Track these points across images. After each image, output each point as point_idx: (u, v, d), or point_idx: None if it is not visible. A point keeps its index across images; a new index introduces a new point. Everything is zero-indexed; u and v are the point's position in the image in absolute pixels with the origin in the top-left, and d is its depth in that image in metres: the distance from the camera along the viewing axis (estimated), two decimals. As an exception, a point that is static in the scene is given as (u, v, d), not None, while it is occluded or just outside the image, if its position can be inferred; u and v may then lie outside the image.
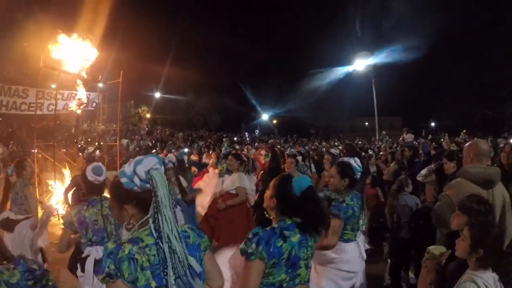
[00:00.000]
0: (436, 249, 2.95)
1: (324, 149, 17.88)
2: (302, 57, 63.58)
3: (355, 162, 3.93)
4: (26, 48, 16.56)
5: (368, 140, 27.95)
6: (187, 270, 1.74)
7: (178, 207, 5.15)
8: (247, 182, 6.59)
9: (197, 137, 36.13)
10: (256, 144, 26.07)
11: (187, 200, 6.21)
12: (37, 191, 8.76)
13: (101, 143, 15.59)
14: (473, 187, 3.34)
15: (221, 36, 53.47)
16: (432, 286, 2.80)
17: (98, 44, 12.28)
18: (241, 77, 53.05)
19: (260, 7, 63.72)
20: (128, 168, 1.76)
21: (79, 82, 11.74)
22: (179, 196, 6.01)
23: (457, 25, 41.73)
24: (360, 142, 25.02)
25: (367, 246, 4.36)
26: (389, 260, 5.72)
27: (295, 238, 2.35)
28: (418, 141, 14.95)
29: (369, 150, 15.65)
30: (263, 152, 12.76)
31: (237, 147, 24.98)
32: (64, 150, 11.73)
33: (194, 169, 10.69)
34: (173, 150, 17.09)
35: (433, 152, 8.62)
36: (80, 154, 12.25)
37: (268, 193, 2.57)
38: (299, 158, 8.30)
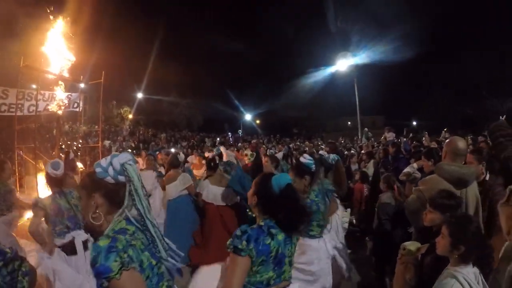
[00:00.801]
0: (412, 245, 2.96)
1: (307, 148, 18.01)
2: (285, 58, 63.90)
3: (304, 158, 4.04)
4: (6, 47, 16.26)
5: (351, 139, 28.24)
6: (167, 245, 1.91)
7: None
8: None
9: (180, 137, 35.97)
10: (240, 144, 26.08)
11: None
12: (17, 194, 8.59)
13: (79, 146, 15.46)
14: (446, 185, 3.35)
15: (204, 37, 53.43)
16: (412, 282, 2.83)
17: (79, 44, 12.13)
18: (224, 77, 53.05)
19: (243, 8, 63.73)
20: (104, 161, 1.85)
21: (60, 82, 11.54)
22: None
23: (437, 25, 42.45)
24: (343, 141, 25.28)
25: (340, 245, 4.30)
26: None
27: (281, 236, 2.37)
28: (399, 139, 15.13)
29: (352, 149, 15.82)
30: (247, 152, 12.79)
31: (221, 147, 24.99)
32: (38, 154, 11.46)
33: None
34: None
35: (413, 150, 8.77)
36: (62, 155, 12.11)
37: (250, 190, 2.59)
38: (279, 155, 8.48)
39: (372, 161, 9.76)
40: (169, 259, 1.88)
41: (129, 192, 1.80)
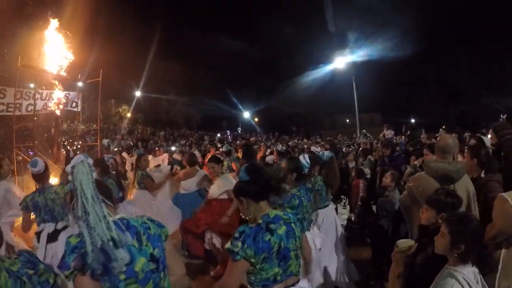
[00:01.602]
0: (404, 243, 2.99)
1: (305, 146, 18.04)
2: (283, 56, 63.88)
3: (304, 159, 4.15)
4: (3, 47, 16.23)
5: (349, 136, 28.25)
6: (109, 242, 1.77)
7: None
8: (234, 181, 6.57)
9: (178, 135, 35.96)
10: (238, 141, 26.10)
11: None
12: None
13: (78, 145, 15.48)
14: (433, 182, 3.41)
15: (202, 35, 53.36)
16: (400, 279, 2.82)
17: (77, 43, 12.13)
18: (223, 75, 52.98)
19: (241, 7, 63.65)
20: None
21: (56, 81, 11.55)
22: None
23: (435, 23, 42.48)
24: (342, 139, 25.32)
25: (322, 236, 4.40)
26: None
27: (281, 230, 2.37)
28: (396, 139, 15.11)
29: (351, 146, 15.85)
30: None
31: (219, 145, 25.03)
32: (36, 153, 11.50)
33: (176, 168, 10.69)
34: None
35: (411, 148, 8.74)
36: (64, 151, 12.17)
37: (237, 201, 2.62)
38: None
39: (368, 158, 9.82)
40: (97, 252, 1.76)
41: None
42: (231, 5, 63.07)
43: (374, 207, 7.08)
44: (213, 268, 5.46)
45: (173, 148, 23.29)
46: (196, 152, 8.39)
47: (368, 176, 8.64)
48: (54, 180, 8.07)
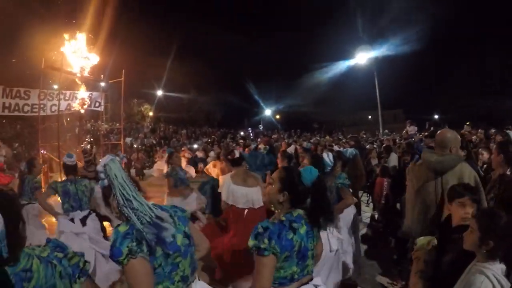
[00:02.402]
0: (424, 239, 2.93)
1: (327, 143, 17.91)
2: (303, 51, 63.34)
3: (327, 157, 4.03)
4: (28, 49, 16.59)
5: (372, 133, 27.87)
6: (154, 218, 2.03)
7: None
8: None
9: (200, 133, 36.19)
10: (259, 139, 26.10)
11: None
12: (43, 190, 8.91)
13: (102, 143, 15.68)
14: (424, 173, 3.56)
15: (222, 32, 53.32)
16: (419, 275, 2.77)
17: (99, 43, 12.30)
18: (243, 73, 52.90)
19: (261, 3, 63.53)
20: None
21: (80, 82, 11.75)
22: None
23: (460, 16, 41.51)
24: (365, 136, 24.99)
25: (340, 237, 4.24)
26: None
27: (303, 229, 2.35)
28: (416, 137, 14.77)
29: (374, 143, 15.64)
30: (261, 146, 12.99)
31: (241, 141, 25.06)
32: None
33: (200, 165, 10.82)
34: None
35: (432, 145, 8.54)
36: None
37: (273, 187, 2.53)
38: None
39: (393, 154, 9.65)
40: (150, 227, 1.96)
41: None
42: (250, 2, 62.87)
43: (398, 205, 6.97)
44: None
45: (195, 146, 23.49)
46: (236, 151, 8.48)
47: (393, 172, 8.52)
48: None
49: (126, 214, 1.96)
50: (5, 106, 10.51)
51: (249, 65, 53.74)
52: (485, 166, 6.38)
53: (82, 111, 12.39)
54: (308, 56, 61.50)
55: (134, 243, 1.82)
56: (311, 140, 19.97)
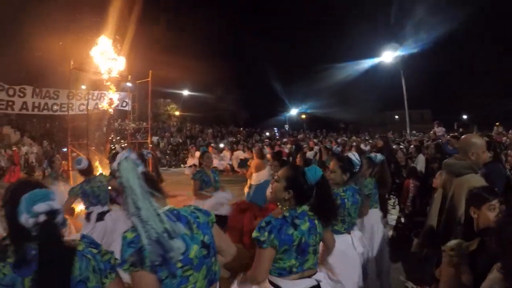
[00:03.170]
0: (456, 242, 2.83)
1: (354, 143, 17.71)
2: (329, 50, 62.54)
3: (354, 156, 3.98)
4: (56, 52, 17.03)
5: (399, 133, 27.39)
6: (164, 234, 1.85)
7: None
8: None
9: (226, 133, 36.38)
10: (285, 139, 26.07)
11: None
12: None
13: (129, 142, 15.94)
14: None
15: (248, 32, 53.44)
16: (470, 284, 2.69)
17: (126, 44, 12.51)
18: (269, 72, 52.83)
19: (286, 4, 63.21)
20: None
21: (108, 82, 11.98)
22: None
23: (490, 13, 40.43)
24: (392, 136, 24.60)
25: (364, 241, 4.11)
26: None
27: (305, 226, 2.50)
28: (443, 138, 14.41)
29: (401, 144, 15.38)
30: (288, 146, 13.14)
31: (267, 141, 25.11)
32: (94, 148, 12.01)
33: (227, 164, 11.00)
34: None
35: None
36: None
37: (279, 185, 2.65)
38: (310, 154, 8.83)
39: (420, 155, 9.46)
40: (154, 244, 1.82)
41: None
42: (275, 2, 62.66)
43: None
44: None
45: (221, 145, 23.67)
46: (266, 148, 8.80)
47: (422, 171, 8.35)
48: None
49: (133, 224, 1.85)
50: (35, 105, 10.92)
51: (275, 64, 53.63)
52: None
53: (111, 110, 12.63)
54: (334, 55, 60.81)
55: (137, 257, 1.76)
56: (338, 140, 19.84)
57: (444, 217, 3.54)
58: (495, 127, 13.99)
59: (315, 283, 2.53)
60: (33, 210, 1.52)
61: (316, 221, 2.58)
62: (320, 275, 2.60)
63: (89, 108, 11.77)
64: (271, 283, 2.50)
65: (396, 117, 48.61)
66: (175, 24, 38.22)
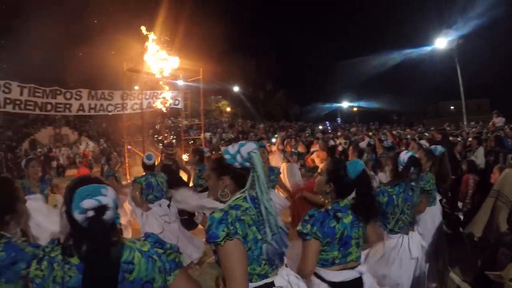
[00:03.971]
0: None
1: (409, 136, 17.17)
2: (380, 39, 60.93)
3: (404, 155, 3.77)
4: (110, 54, 17.76)
5: (456, 125, 26.04)
6: (279, 229, 2.09)
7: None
8: None
9: (278, 127, 36.39)
10: (339, 133, 25.73)
11: None
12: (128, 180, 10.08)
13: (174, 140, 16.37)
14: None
15: (297, 26, 53.21)
16: None
17: (177, 45, 12.84)
18: (319, 64, 52.39)
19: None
20: (232, 148, 2.15)
21: (161, 82, 12.37)
22: None
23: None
24: (449, 128, 23.53)
25: (423, 244, 3.74)
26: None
27: (347, 219, 2.55)
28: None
29: (458, 137, 14.77)
30: (341, 140, 13.11)
31: (319, 135, 24.88)
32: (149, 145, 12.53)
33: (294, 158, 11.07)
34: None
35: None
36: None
37: (321, 178, 2.74)
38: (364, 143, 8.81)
39: (480, 148, 9.02)
40: (273, 242, 2.04)
41: (252, 177, 2.08)
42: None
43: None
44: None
45: (273, 140, 23.69)
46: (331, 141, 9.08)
47: (482, 167, 7.95)
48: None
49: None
50: (91, 107, 11.57)
51: (324, 56, 53.08)
52: None
53: (164, 109, 13.03)
54: (384, 43, 59.43)
55: (231, 227, 1.90)
56: (394, 133, 19.35)
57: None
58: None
59: (357, 275, 2.55)
60: (81, 205, 1.55)
61: (359, 216, 2.61)
62: (363, 268, 2.62)
63: (142, 107, 12.25)
64: (314, 273, 2.56)
65: (452, 107, 46.56)
66: (223, 21, 38.49)
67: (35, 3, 27.51)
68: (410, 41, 47.14)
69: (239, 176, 2.11)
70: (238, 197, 2.09)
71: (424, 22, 41.99)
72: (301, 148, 15.53)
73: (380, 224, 3.53)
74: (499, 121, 14.80)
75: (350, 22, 57.52)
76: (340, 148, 11.01)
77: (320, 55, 54.84)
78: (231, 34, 41.51)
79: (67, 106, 11.28)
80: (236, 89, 46.44)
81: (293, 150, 11.94)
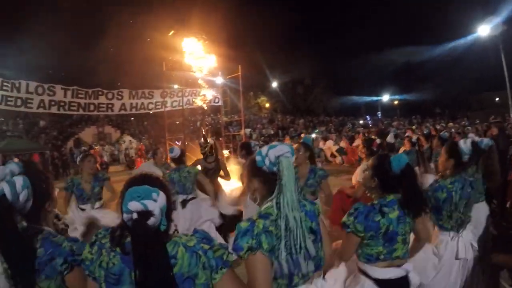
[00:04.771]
0: None
1: (453, 130, 16.75)
2: (419, 29, 59.11)
3: (464, 144, 3.70)
4: (149, 53, 18.30)
5: (502, 117, 24.76)
6: (302, 251, 1.91)
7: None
8: None
9: (318, 122, 36.26)
10: (383, 127, 25.38)
11: None
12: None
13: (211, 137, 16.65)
14: None
15: (334, 19, 52.59)
16: None
17: (215, 43, 13.06)
18: (358, 57, 51.41)
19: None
20: (264, 149, 2.02)
21: (200, 80, 12.62)
22: None
23: None
24: (495, 121, 22.43)
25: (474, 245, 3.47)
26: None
27: (393, 214, 2.49)
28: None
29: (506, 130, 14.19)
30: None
31: (360, 129, 24.58)
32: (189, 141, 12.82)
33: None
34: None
35: None
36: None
37: (367, 173, 2.76)
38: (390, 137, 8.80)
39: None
40: (283, 262, 1.89)
41: (278, 184, 1.93)
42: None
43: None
44: None
45: (313, 135, 23.64)
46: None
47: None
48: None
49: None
50: (132, 106, 12.11)
51: (363, 48, 52.18)
52: None
53: (205, 106, 13.28)
54: (425, 33, 57.63)
55: (254, 240, 1.82)
56: (437, 127, 18.96)
57: None
58: None
59: (403, 273, 2.51)
60: (128, 206, 1.54)
61: (407, 211, 2.56)
62: (410, 266, 2.57)
63: (182, 104, 12.58)
64: (360, 269, 2.57)
65: (497, 99, 44.43)
66: (260, 17, 38.56)
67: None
68: (452, 29, 45.65)
69: (269, 180, 1.99)
70: (269, 205, 1.96)
71: (466, 9, 40.31)
72: (344, 143, 15.50)
73: (433, 220, 3.40)
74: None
75: (389, 12, 56.07)
76: (378, 141, 10.81)
77: (359, 47, 53.96)
78: (269, 30, 41.61)
79: (109, 105, 11.84)
80: (274, 84, 46.32)
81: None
